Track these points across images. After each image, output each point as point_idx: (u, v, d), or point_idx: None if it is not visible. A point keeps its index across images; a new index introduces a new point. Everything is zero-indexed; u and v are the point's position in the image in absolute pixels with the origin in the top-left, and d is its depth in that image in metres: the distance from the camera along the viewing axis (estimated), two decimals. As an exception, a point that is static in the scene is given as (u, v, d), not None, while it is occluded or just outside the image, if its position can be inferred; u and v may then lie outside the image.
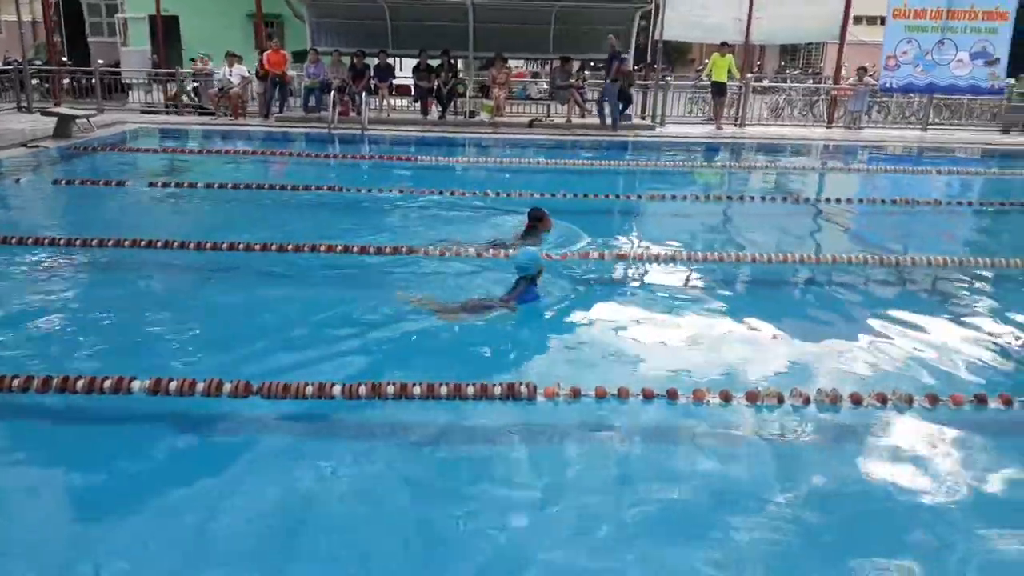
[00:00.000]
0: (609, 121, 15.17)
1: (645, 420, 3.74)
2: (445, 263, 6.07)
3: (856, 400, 3.83)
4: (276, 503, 3.05)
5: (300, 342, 4.60)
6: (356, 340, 4.65)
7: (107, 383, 3.70)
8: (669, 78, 20.49)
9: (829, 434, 3.75)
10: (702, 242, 7.35)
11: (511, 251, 5.99)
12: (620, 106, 15.60)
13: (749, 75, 17.06)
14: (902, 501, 3.18)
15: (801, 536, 2.92)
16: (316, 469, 3.31)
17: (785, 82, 25.86)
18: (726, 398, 3.82)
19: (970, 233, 8.64)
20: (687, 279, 6.08)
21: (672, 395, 3.82)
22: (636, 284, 6.07)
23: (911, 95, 17.52)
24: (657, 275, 6.21)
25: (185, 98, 16.31)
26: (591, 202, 8.63)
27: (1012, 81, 16.86)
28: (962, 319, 5.34)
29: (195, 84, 16.52)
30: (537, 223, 6.36)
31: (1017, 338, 4.95)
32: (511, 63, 17.41)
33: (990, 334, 5.02)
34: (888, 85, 16.30)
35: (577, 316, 5.16)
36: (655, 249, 6.78)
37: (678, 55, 34.92)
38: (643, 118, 16.69)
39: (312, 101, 15.19)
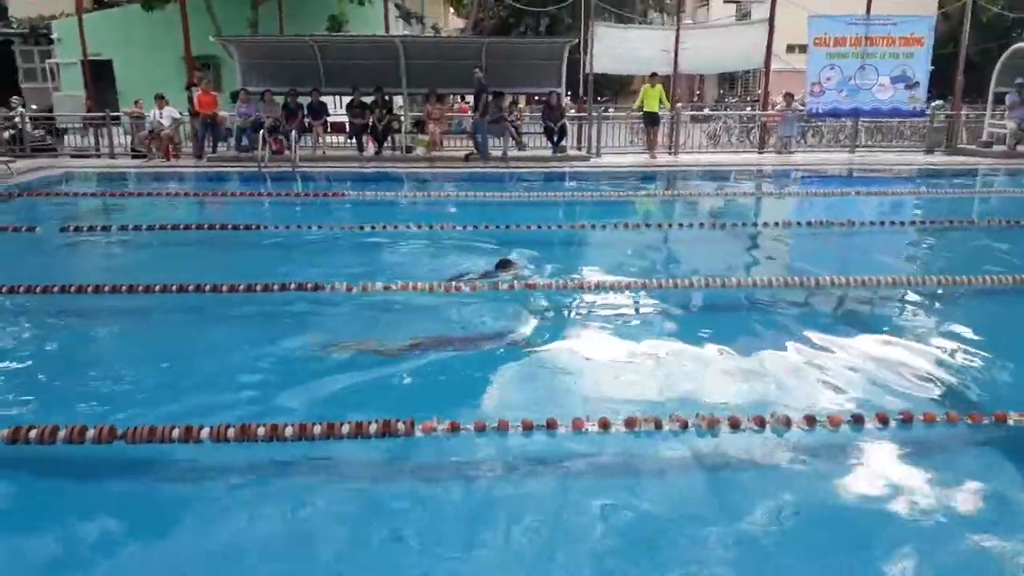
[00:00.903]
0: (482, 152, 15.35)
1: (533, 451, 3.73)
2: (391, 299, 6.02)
3: (734, 424, 3.84)
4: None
5: (224, 384, 4.52)
6: (277, 380, 4.56)
7: (-38, 435, 3.56)
8: (612, 109, 20.90)
9: (712, 458, 3.73)
10: (626, 269, 7.35)
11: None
12: (556, 138, 15.83)
13: (680, 104, 17.43)
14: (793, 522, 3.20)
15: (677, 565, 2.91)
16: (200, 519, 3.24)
17: (725, 109, 26.60)
18: (604, 425, 3.80)
19: (889, 251, 8.77)
20: (607, 307, 6.07)
21: (551, 425, 3.80)
22: (569, 314, 6.01)
23: (843, 119, 18.06)
24: (584, 304, 6.15)
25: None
26: (520, 233, 8.67)
27: (935, 103, 17.48)
28: (881, 339, 5.36)
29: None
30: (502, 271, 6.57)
31: (926, 357, 4.98)
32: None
33: (899, 353, 5.05)
34: (814, 110, 16.77)
35: (530, 347, 5.15)
36: (588, 278, 6.77)
37: (620, 86, 35.54)
38: (579, 149, 16.89)
39: (245, 141, 15.09)
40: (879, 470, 3.65)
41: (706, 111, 26.01)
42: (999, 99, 16.85)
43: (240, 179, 13.47)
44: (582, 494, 3.43)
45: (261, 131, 14.36)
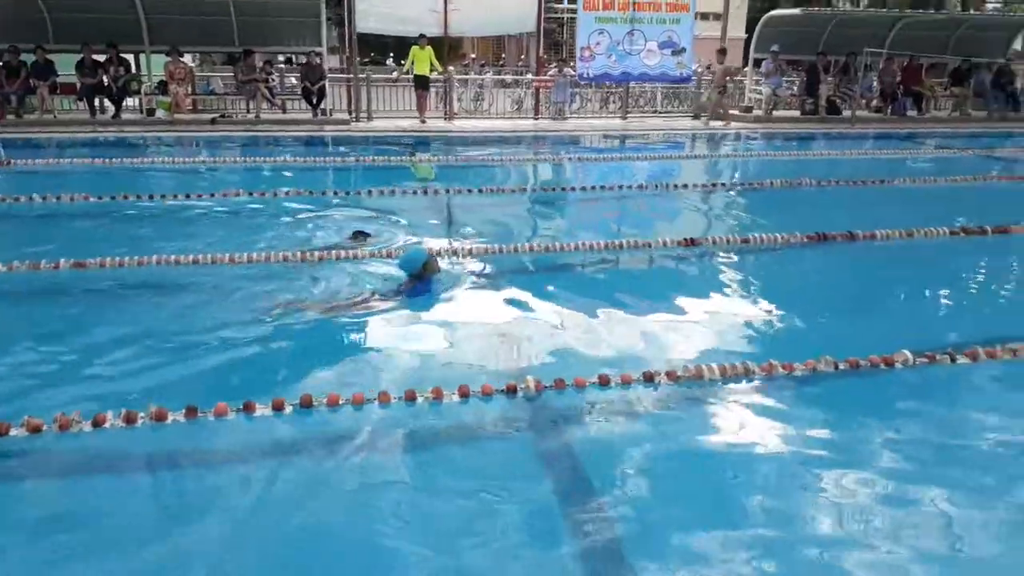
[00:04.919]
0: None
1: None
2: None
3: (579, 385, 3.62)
4: None
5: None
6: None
7: None
8: (398, 72, 20.17)
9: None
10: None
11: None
12: (315, 100, 15.15)
13: (452, 68, 17.06)
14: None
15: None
16: None
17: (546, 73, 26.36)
18: (464, 394, 3.53)
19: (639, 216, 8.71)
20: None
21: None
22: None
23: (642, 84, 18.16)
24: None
25: None
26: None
27: (698, 68, 17.87)
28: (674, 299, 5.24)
29: None
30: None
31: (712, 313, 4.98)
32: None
33: (679, 312, 4.98)
34: (585, 75, 16.77)
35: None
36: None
37: (448, 49, 34.72)
38: (350, 113, 16.22)
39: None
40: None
41: (471, 75, 25.79)
42: (759, 65, 17.42)
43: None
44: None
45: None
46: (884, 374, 3.94)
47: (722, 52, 16.68)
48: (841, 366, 3.92)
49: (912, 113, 17.30)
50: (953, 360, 4.07)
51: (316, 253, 5.92)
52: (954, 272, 6.22)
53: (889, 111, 17.09)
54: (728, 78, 16.97)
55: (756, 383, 3.78)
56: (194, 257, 5.61)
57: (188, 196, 8.24)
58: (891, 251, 6.64)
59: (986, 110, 17.56)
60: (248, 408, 3.30)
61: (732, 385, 3.75)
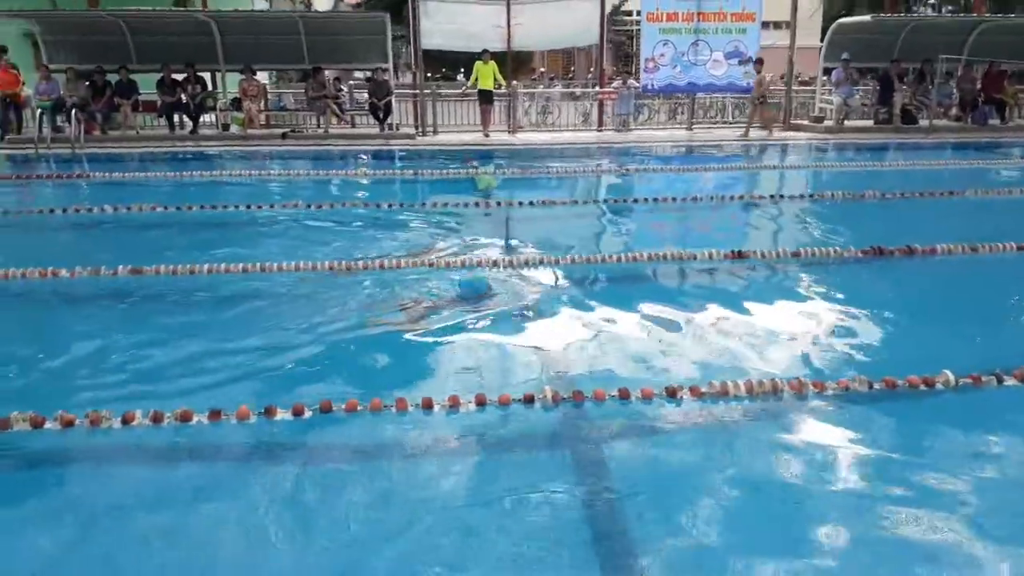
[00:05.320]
0: None
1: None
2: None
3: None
4: None
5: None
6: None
7: None
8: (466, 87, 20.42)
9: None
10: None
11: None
12: (382, 115, 15.49)
13: (516, 82, 17.20)
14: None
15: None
16: None
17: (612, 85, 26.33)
18: (481, 402, 3.60)
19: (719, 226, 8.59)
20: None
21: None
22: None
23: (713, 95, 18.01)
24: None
25: None
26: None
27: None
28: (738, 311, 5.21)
29: None
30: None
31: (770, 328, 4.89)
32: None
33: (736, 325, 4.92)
34: (649, 87, 16.67)
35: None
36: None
37: (518, 64, 35.04)
38: (417, 128, 16.52)
39: (45, 121, 14.41)
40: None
41: (539, 88, 25.84)
42: (829, 74, 16.97)
43: (20, 162, 12.83)
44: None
45: (73, 110, 13.73)
46: (923, 396, 3.79)
47: (759, 62, 16.27)
48: (876, 386, 3.80)
49: (995, 122, 16.58)
50: (1000, 382, 3.89)
51: (363, 263, 6.06)
52: (1017, 289, 5.92)
53: (969, 120, 16.41)
54: (766, 88, 16.55)
55: (784, 401, 3.69)
56: (244, 266, 5.82)
57: (249, 207, 8.54)
58: (952, 266, 6.38)
59: (1076, 117, 16.71)
60: (269, 412, 3.41)
61: (759, 403, 3.68)
